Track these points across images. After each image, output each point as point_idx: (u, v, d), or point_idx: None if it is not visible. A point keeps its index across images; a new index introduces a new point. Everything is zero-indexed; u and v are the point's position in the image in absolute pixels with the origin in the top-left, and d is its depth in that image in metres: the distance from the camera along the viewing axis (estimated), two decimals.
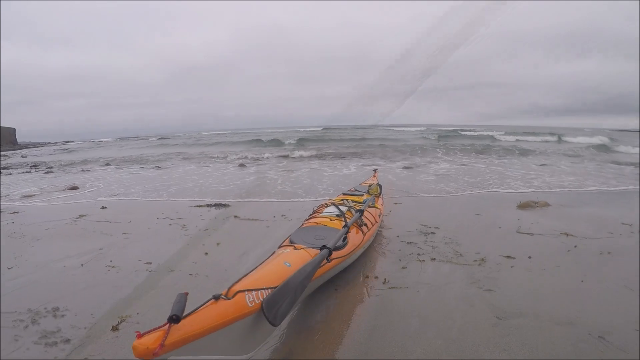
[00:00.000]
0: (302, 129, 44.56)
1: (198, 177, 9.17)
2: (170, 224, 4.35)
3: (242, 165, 11.99)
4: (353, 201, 3.83)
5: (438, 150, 15.22)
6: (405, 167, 10.04)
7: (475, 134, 26.00)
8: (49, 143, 47.64)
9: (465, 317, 2.13)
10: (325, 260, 2.13)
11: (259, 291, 1.60)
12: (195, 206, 5.42)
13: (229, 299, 1.47)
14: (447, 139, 22.16)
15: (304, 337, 1.99)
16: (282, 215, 4.66)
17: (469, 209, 4.86)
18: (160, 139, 35.38)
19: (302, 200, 5.62)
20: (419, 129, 36.27)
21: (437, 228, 3.87)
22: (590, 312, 2.13)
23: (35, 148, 35.96)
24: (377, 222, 3.43)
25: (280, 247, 2.33)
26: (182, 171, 10.56)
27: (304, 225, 2.82)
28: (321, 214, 3.03)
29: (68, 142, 50.35)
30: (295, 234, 2.50)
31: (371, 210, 3.47)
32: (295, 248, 2.18)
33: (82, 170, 12.42)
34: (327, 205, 3.29)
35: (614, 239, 3.45)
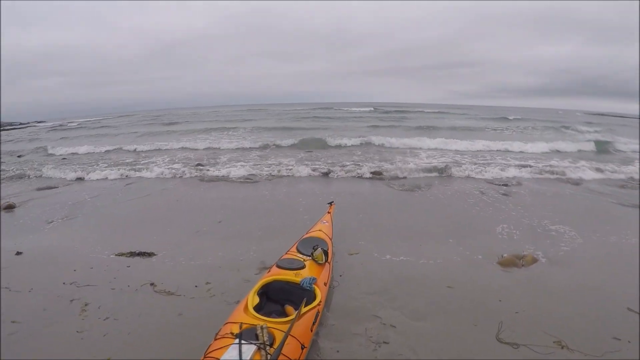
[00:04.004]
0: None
1: (136, 197, 7.45)
2: (71, 300, 3.40)
3: (199, 165, 10.10)
4: (287, 283, 2.90)
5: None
6: (374, 173, 8.58)
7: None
8: (20, 124, 44.56)
9: None
10: None
11: None
12: (115, 254, 4.39)
13: None
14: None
15: None
16: (207, 283, 3.66)
17: (439, 270, 3.88)
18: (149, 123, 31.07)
19: (226, 254, 4.54)
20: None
21: (393, 327, 2.86)
22: None
23: None
24: (308, 341, 2.39)
25: None
26: (143, 186, 8.40)
27: None
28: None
29: (40, 122, 48.10)
30: None
31: (301, 323, 2.39)
32: None
33: (20, 175, 10.03)
34: (232, 336, 2.13)
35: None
